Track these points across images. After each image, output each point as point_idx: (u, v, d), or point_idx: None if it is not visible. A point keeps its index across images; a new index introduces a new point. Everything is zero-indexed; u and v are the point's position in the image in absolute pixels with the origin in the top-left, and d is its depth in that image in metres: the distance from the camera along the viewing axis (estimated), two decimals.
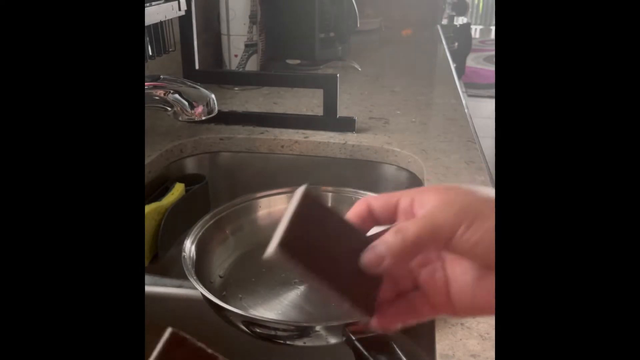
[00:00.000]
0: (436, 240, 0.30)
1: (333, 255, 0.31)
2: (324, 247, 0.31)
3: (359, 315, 0.32)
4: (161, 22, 0.81)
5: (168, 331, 0.30)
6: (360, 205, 0.34)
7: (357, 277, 0.31)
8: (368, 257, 0.31)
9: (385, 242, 0.31)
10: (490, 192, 0.31)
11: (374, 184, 0.90)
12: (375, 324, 0.33)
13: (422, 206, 0.32)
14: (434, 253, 0.34)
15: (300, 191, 0.32)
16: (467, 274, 0.32)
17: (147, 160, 0.81)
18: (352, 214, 0.34)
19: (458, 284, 0.32)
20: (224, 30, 1.23)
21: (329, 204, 0.63)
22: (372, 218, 0.34)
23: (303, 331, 0.48)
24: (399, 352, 0.44)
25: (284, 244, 0.29)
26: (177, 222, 0.75)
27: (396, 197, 0.33)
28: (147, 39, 0.79)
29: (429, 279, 0.34)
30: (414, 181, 0.85)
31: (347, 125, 0.94)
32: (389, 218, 0.34)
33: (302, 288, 0.59)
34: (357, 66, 1.45)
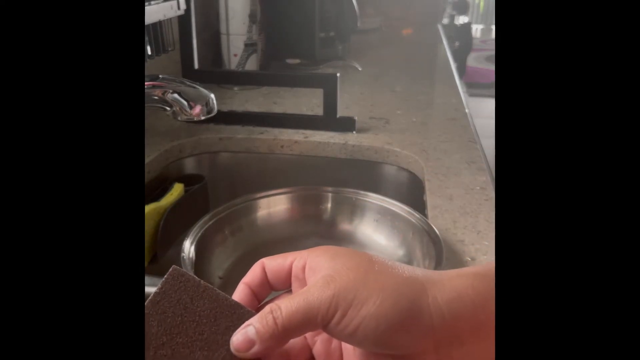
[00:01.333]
0: (310, 325, 0.28)
1: (199, 340, 0.30)
2: (186, 332, 0.30)
3: None
4: (160, 22, 0.81)
5: (171, 268, 0.30)
6: (255, 269, 0.33)
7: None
8: (237, 340, 0.29)
9: (257, 326, 0.29)
10: (389, 267, 0.30)
11: (374, 184, 0.90)
12: None
13: (313, 272, 0.30)
14: None
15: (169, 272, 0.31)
16: (356, 350, 0.30)
17: (146, 160, 0.81)
18: (249, 279, 0.33)
19: (351, 356, 0.31)
20: (223, 29, 1.22)
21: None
22: (268, 283, 0.33)
23: None
24: None
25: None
26: (176, 222, 0.75)
27: (289, 260, 0.32)
28: (146, 38, 0.79)
29: (323, 349, 0.32)
30: (415, 181, 0.85)
31: (347, 125, 0.94)
32: (283, 282, 0.33)
33: None
34: (357, 66, 1.45)
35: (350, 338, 0.28)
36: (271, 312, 0.28)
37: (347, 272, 0.29)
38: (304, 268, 0.31)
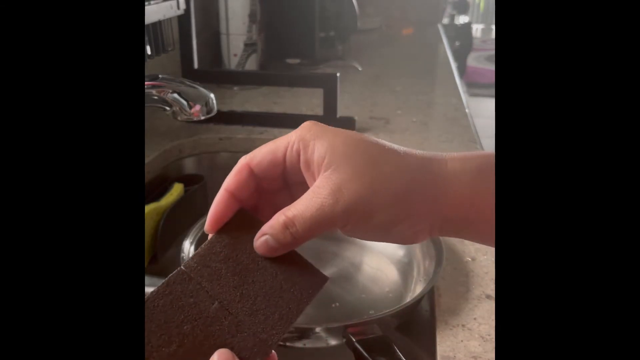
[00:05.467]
0: (324, 230, 0.30)
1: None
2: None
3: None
4: (160, 21, 0.80)
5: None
6: (239, 170, 0.32)
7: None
8: (260, 247, 0.31)
9: (274, 235, 0.30)
10: (393, 160, 0.31)
11: None
12: None
13: (310, 165, 0.31)
14: None
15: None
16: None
17: (146, 160, 0.81)
18: (233, 186, 0.32)
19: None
20: (223, 29, 1.22)
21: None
22: (255, 180, 0.32)
23: (303, 333, 0.48)
24: (400, 353, 0.44)
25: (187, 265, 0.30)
26: (176, 222, 0.75)
27: (281, 150, 0.31)
28: (146, 38, 0.79)
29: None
30: None
31: (347, 125, 0.94)
32: (276, 179, 0.33)
33: None
34: (357, 65, 1.45)
35: (358, 237, 0.32)
36: (287, 227, 0.30)
37: (355, 181, 0.29)
38: (297, 158, 0.31)
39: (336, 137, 0.31)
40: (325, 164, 0.30)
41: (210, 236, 0.32)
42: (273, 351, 0.30)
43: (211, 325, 0.29)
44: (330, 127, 0.32)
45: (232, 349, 0.29)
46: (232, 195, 0.32)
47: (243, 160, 0.32)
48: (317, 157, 0.30)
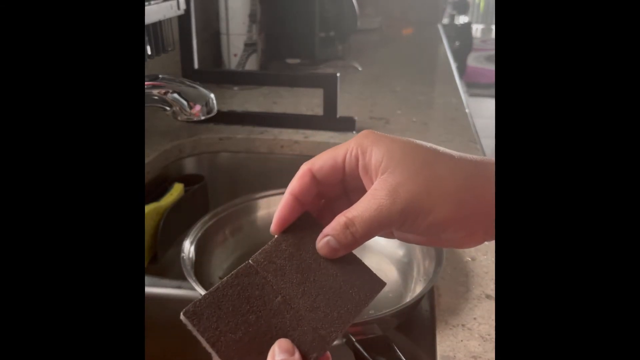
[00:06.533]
0: (383, 230, 0.31)
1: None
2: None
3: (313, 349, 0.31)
4: (160, 21, 0.80)
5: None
6: (302, 176, 0.34)
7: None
8: (322, 249, 0.33)
9: (336, 236, 0.32)
10: (447, 163, 0.32)
11: None
12: None
13: (367, 171, 0.32)
14: None
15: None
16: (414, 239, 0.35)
17: (146, 160, 0.81)
18: (297, 190, 0.34)
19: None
20: (223, 29, 1.22)
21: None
22: (317, 185, 0.34)
23: None
24: (400, 353, 0.44)
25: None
26: (176, 222, 0.75)
27: (341, 156, 0.33)
28: (146, 38, 0.79)
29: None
30: None
31: (347, 125, 0.94)
32: (336, 184, 0.35)
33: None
34: (357, 65, 1.45)
35: (412, 240, 0.34)
36: (347, 227, 0.31)
37: (410, 182, 0.31)
38: (357, 164, 0.33)
39: (393, 143, 0.32)
40: (382, 167, 0.32)
41: (276, 236, 0.34)
42: (327, 352, 0.32)
43: (274, 317, 0.31)
44: (387, 134, 0.33)
45: (292, 341, 0.30)
46: (296, 199, 0.34)
47: (305, 166, 0.34)
48: (374, 162, 0.32)
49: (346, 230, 0.31)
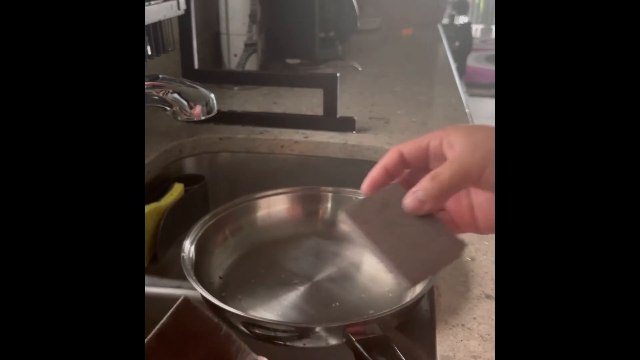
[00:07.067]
0: (467, 181, 0.35)
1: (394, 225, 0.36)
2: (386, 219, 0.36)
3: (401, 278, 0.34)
4: (160, 22, 0.80)
5: (181, 298, 0.33)
6: (392, 152, 0.38)
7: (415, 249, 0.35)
8: (409, 202, 0.35)
9: (424, 189, 0.35)
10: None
11: None
12: None
13: (451, 147, 0.35)
14: None
15: None
16: (490, 201, 0.36)
17: (146, 160, 0.81)
18: (386, 162, 0.38)
19: (483, 208, 0.37)
20: (223, 29, 1.22)
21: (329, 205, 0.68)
22: (404, 163, 0.38)
23: (303, 332, 0.48)
24: (400, 353, 0.44)
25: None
26: (176, 222, 0.75)
27: (426, 140, 0.37)
28: (146, 38, 0.79)
29: (455, 204, 0.38)
30: None
31: (347, 125, 0.94)
32: (420, 160, 0.38)
33: (301, 289, 0.59)
34: (357, 66, 1.45)
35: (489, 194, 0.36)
36: (433, 178, 0.35)
37: (487, 139, 0.34)
38: (440, 144, 0.36)
39: (471, 128, 0.36)
40: (461, 143, 0.35)
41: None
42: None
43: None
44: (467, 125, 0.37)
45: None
46: (386, 170, 0.38)
47: (395, 148, 0.38)
48: (455, 141, 0.35)
49: (432, 181, 0.34)
